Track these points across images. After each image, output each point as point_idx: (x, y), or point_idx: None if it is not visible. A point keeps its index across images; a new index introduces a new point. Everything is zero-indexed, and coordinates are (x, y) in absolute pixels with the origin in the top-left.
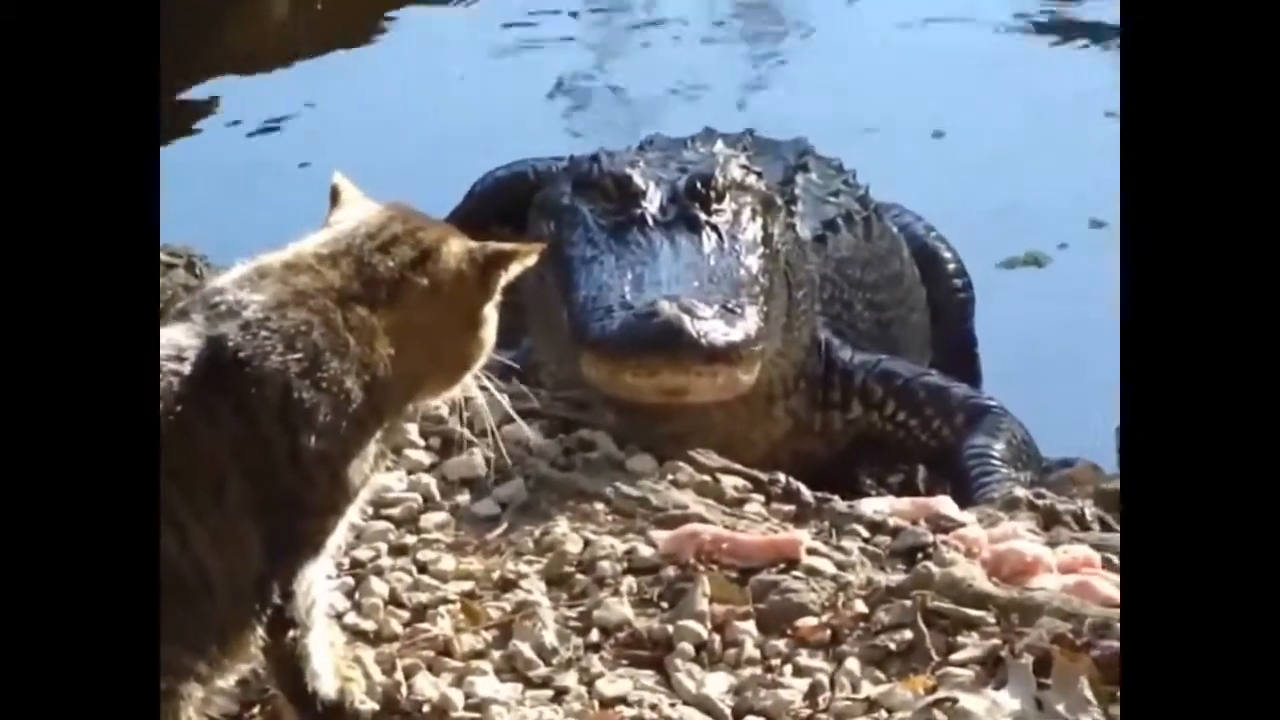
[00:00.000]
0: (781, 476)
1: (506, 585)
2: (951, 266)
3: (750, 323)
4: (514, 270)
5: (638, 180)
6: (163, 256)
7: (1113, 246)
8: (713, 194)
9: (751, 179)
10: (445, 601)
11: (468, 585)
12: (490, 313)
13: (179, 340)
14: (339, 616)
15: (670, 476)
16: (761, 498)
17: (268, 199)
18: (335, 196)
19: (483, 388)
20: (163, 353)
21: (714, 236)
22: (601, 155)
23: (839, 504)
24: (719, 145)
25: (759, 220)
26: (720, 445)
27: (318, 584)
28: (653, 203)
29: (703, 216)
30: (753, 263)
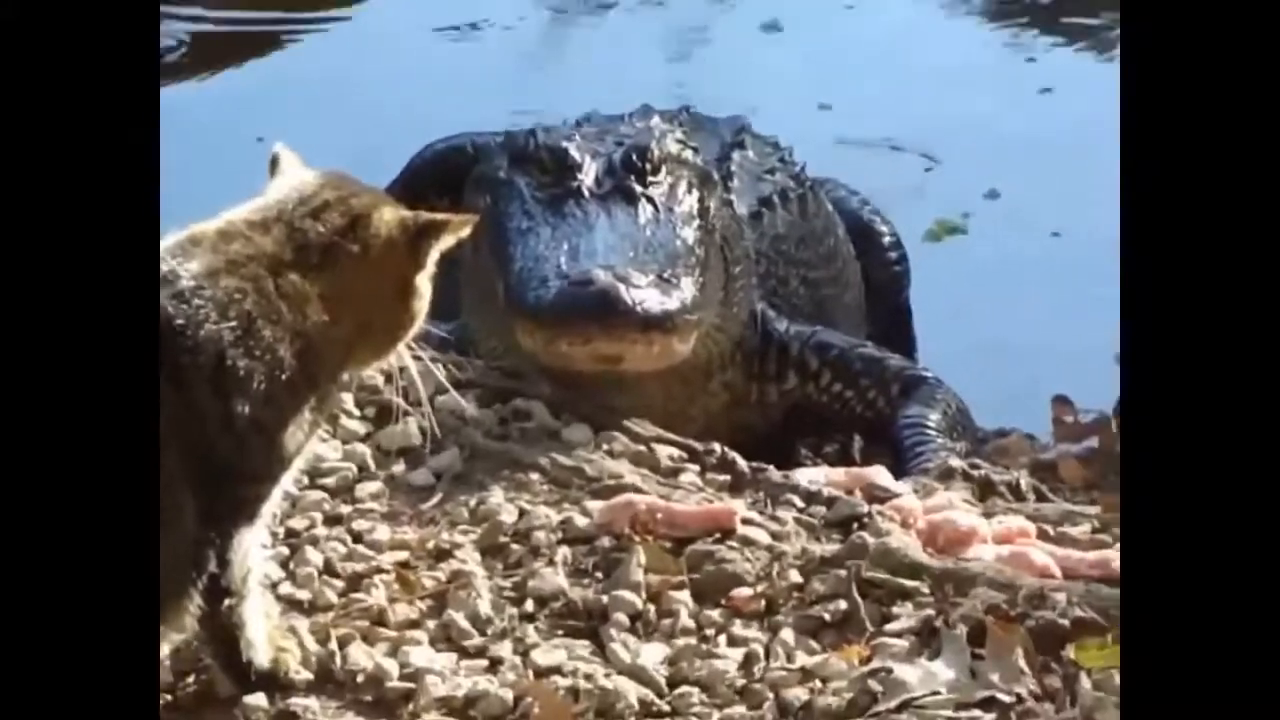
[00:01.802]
0: (717, 447)
1: (441, 555)
2: (887, 240)
3: (685, 292)
4: (447, 241)
5: (574, 153)
6: None
7: (1013, 217)
8: (648, 167)
9: (688, 153)
10: (380, 571)
11: (402, 555)
12: (423, 283)
13: None
14: (274, 586)
15: (605, 447)
16: (697, 468)
17: (216, 169)
18: (274, 165)
19: (417, 358)
20: None
21: (649, 208)
22: (538, 130)
23: (774, 474)
24: (655, 121)
25: (695, 194)
26: (657, 419)
27: (253, 553)
28: (588, 175)
29: (638, 189)
30: (688, 235)
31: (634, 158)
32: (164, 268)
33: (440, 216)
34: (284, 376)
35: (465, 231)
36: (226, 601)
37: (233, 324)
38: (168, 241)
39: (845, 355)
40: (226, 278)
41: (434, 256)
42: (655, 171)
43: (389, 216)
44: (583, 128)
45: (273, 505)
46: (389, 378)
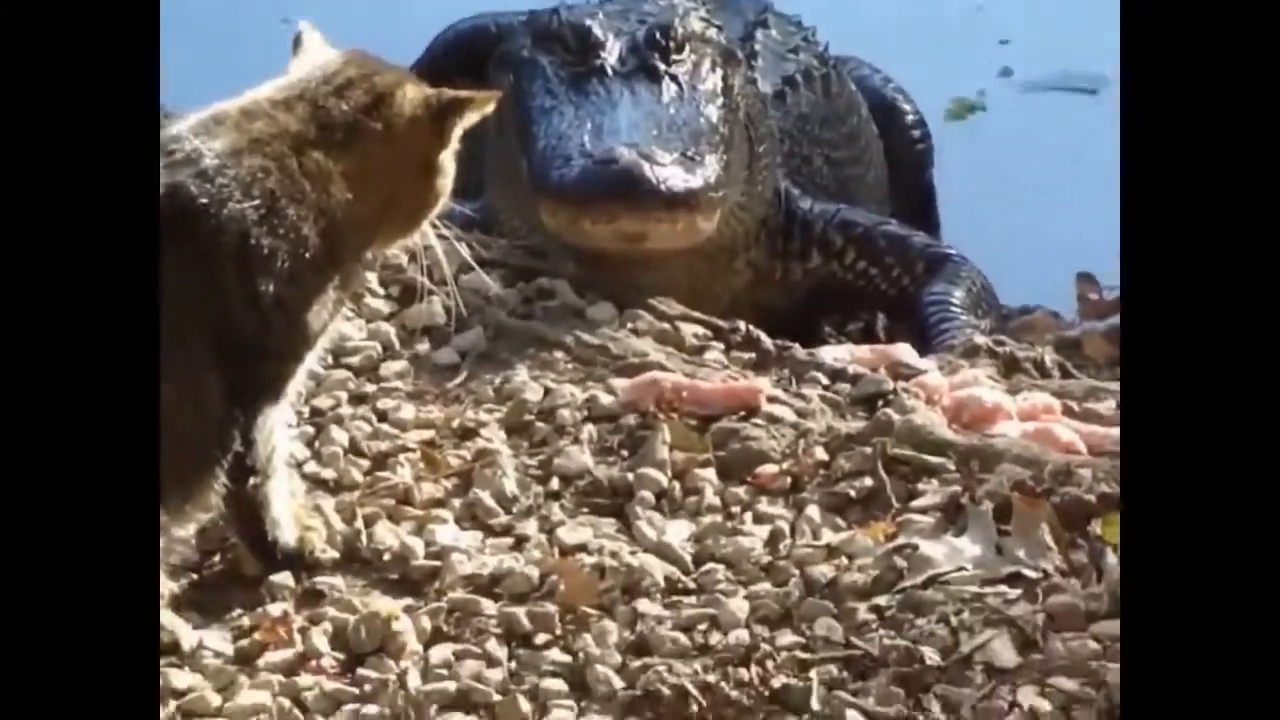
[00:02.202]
0: (741, 324)
1: (466, 433)
2: (910, 118)
3: (710, 170)
4: (471, 118)
5: (597, 31)
6: None
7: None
8: (672, 45)
9: (712, 31)
10: (405, 450)
11: (428, 434)
12: (447, 160)
13: None
14: (299, 465)
15: (630, 325)
16: (721, 346)
17: (240, 49)
18: (297, 45)
19: (441, 236)
20: None
21: (673, 87)
22: (561, 9)
23: (799, 351)
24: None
25: (719, 72)
26: (682, 297)
27: (278, 431)
28: (612, 53)
29: (662, 67)
30: (712, 113)
31: (657, 35)
32: (187, 146)
33: (464, 93)
34: (308, 255)
35: (489, 108)
36: (251, 480)
37: (256, 203)
38: (190, 120)
39: (869, 233)
40: (250, 156)
41: (458, 134)
42: (679, 50)
43: (413, 94)
44: (606, 6)
45: (297, 384)
46: (413, 256)
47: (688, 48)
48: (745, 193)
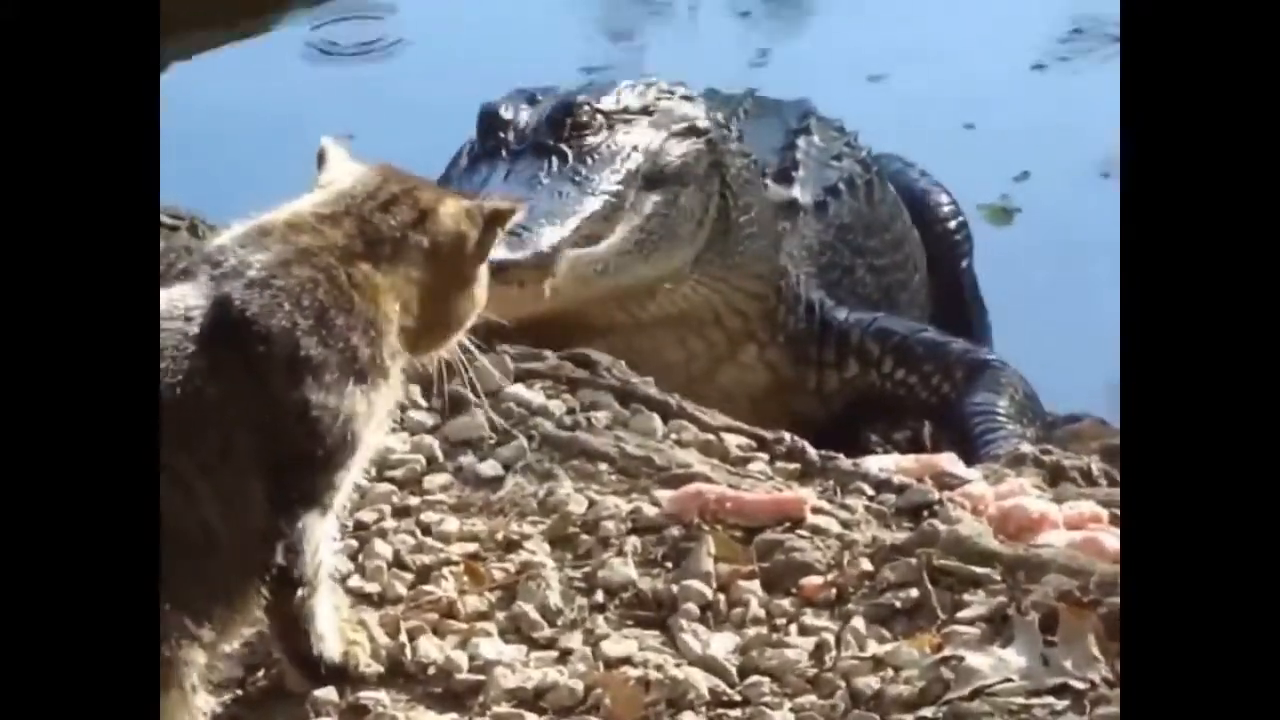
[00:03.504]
0: (786, 435)
1: (510, 546)
2: (946, 210)
3: (546, 238)
4: (510, 225)
5: (502, 113)
6: (165, 219)
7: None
8: (568, 121)
9: (664, 102)
10: (449, 563)
11: (471, 547)
12: (483, 269)
13: (185, 299)
14: (343, 580)
15: (674, 436)
16: (766, 456)
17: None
18: (322, 159)
19: (480, 348)
20: (169, 312)
21: (557, 161)
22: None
23: (843, 462)
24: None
25: (633, 138)
26: (679, 379)
27: (324, 545)
28: (509, 133)
29: (550, 142)
30: (604, 183)
31: (556, 113)
32: (234, 258)
33: (503, 205)
34: (356, 365)
35: (522, 215)
36: (298, 592)
37: (306, 313)
38: (234, 232)
39: (906, 341)
40: (299, 268)
41: (496, 243)
42: (579, 126)
43: (453, 208)
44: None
45: (343, 497)
46: (455, 368)
47: (596, 122)
48: (722, 264)
